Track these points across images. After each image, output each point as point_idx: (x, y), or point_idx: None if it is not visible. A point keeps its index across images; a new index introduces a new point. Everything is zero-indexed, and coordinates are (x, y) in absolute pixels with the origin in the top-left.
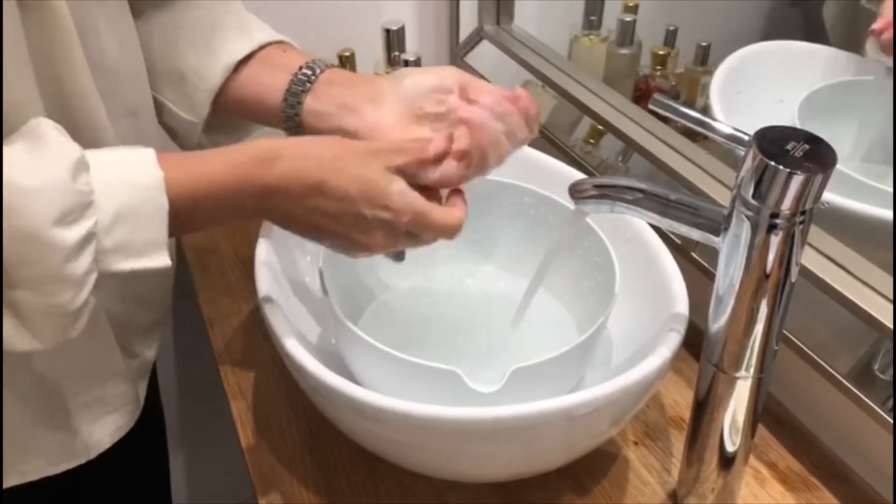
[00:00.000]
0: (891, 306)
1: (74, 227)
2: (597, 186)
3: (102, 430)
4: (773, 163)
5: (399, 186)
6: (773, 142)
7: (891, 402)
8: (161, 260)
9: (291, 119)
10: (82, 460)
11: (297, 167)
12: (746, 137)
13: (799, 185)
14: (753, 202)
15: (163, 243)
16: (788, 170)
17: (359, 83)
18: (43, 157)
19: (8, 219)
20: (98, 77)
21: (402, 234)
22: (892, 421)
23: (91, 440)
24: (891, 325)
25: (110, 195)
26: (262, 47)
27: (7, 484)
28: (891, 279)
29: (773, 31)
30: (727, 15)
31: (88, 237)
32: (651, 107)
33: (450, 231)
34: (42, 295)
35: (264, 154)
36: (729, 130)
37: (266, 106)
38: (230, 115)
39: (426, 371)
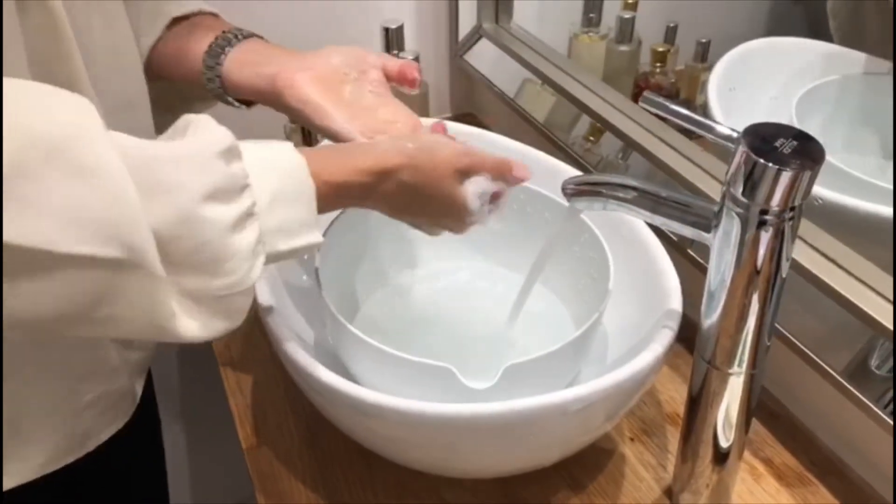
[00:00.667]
0: (886, 304)
1: (231, 205)
2: (589, 184)
3: (100, 424)
4: (761, 160)
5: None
6: (761, 138)
7: (886, 399)
8: (315, 237)
9: (213, 69)
10: (79, 454)
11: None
12: (735, 134)
13: (788, 181)
14: (743, 199)
15: (315, 223)
16: (777, 166)
17: (283, 47)
18: (192, 139)
19: (161, 196)
20: (93, 74)
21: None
22: (889, 420)
23: (89, 434)
24: (886, 323)
25: (264, 179)
26: (195, 14)
27: (7, 485)
28: (887, 277)
29: (776, 27)
30: (728, 12)
31: (247, 215)
32: (641, 104)
33: None
34: (212, 275)
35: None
36: (718, 127)
37: (190, 60)
38: (161, 74)
39: (420, 368)
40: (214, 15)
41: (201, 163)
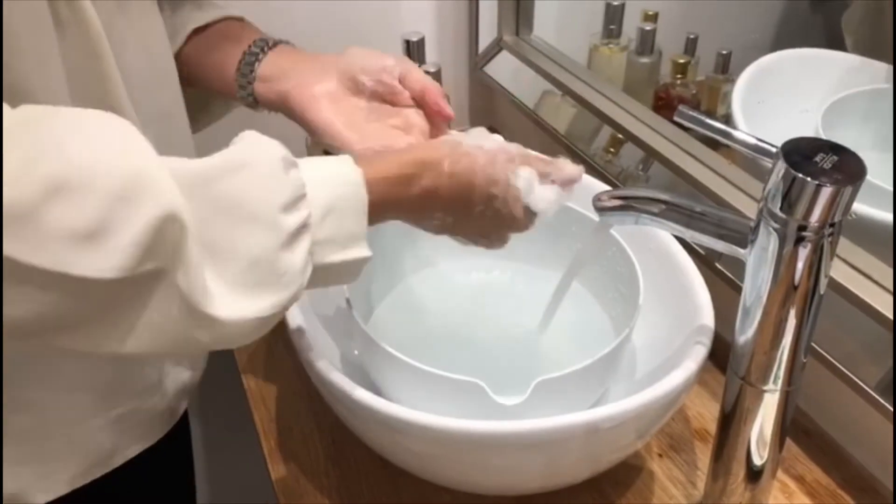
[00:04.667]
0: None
1: (294, 214)
2: (621, 198)
3: (128, 440)
4: (801, 175)
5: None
6: (800, 153)
7: None
8: (362, 251)
9: (244, 88)
10: (106, 469)
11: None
12: (773, 149)
13: (828, 197)
14: (781, 215)
15: (363, 236)
16: (817, 182)
17: (306, 55)
18: (257, 150)
19: (240, 201)
20: (128, 87)
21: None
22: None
23: (116, 450)
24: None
25: (320, 189)
26: (218, 22)
27: (39, 501)
28: None
29: (795, 38)
30: (748, 23)
31: (304, 227)
32: (676, 119)
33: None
34: (264, 287)
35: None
36: (755, 142)
37: (223, 73)
38: (192, 84)
39: (449, 383)
40: (239, 19)
41: (276, 178)
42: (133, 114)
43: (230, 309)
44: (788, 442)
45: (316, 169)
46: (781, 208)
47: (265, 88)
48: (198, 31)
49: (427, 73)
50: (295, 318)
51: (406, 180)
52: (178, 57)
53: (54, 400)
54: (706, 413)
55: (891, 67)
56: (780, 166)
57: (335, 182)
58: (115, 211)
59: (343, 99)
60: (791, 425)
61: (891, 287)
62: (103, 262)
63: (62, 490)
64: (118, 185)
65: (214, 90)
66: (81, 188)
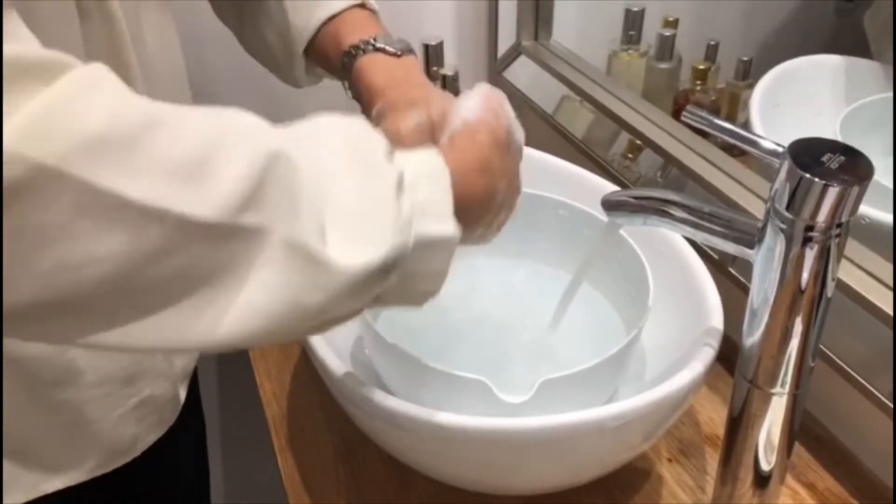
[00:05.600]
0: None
1: (394, 164)
2: (630, 198)
3: (146, 429)
4: (807, 175)
5: None
6: (807, 153)
7: None
8: (454, 227)
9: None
10: (127, 459)
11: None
12: (781, 149)
13: (834, 197)
14: (788, 215)
15: (451, 208)
16: (824, 182)
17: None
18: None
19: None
20: (146, 81)
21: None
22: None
23: (136, 439)
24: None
25: (406, 159)
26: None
27: (54, 488)
28: None
29: (818, 45)
30: (770, 30)
31: (402, 180)
32: (684, 118)
33: None
34: (377, 231)
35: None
36: (762, 142)
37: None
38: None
39: (454, 380)
40: (362, 6)
41: (365, 131)
42: None
43: (349, 255)
44: (800, 449)
45: (402, 154)
46: (788, 208)
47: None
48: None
49: (445, 76)
50: None
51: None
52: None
53: (83, 396)
54: (717, 418)
55: None
56: (787, 166)
57: (420, 158)
58: (217, 146)
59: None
60: (803, 433)
61: None
62: (206, 198)
63: (81, 478)
64: (218, 124)
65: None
66: (181, 125)
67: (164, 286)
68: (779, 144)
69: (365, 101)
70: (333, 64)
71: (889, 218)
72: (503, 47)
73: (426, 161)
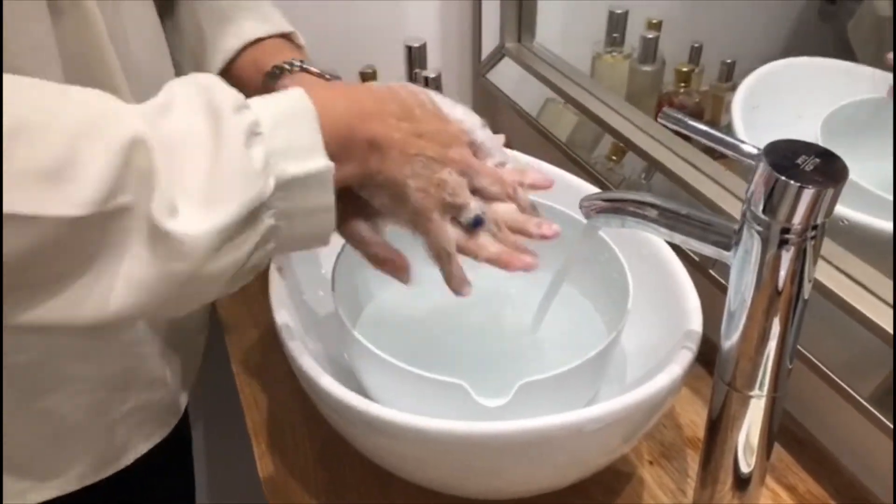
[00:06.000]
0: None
1: (242, 115)
2: (607, 201)
3: (139, 436)
4: (783, 177)
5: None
6: (783, 155)
7: None
8: (324, 161)
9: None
10: (119, 467)
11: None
12: (756, 151)
13: (810, 199)
14: (763, 217)
15: (321, 146)
16: (799, 184)
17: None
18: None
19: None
20: (130, 80)
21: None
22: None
23: (127, 446)
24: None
25: (263, 103)
26: (272, 36)
27: (43, 497)
28: None
29: (802, 47)
30: (754, 32)
31: (255, 131)
32: (660, 120)
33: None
34: (227, 189)
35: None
36: (739, 144)
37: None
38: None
39: (432, 384)
40: (287, 37)
41: (219, 85)
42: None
43: (196, 223)
44: (781, 451)
45: (260, 98)
46: (764, 211)
47: None
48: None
49: (427, 78)
50: (284, 319)
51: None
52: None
53: (71, 404)
54: (699, 421)
55: (888, 76)
56: (762, 168)
57: (277, 98)
58: (77, 146)
59: None
60: (784, 435)
61: (890, 300)
62: (74, 197)
63: (72, 486)
64: (78, 120)
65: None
66: (41, 128)
67: (52, 274)
68: (754, 147)
69: None
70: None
71: (876, 222)
72: (487, 49)
73: (287, 100)
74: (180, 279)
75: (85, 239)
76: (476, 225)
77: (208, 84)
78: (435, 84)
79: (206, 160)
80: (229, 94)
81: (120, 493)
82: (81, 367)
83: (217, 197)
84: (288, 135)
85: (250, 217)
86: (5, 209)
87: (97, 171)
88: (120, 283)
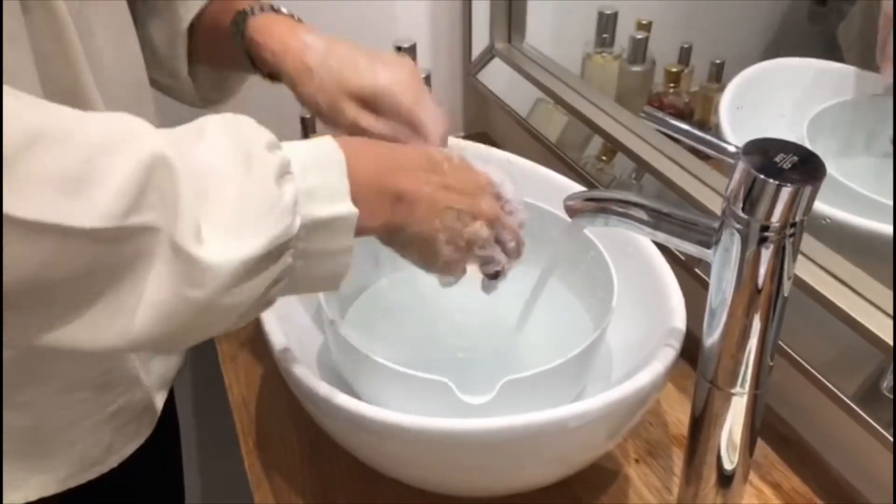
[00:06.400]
0: (893, 323)
1: (276, 154)
2: (591, 200)
3: (122, 438)
4: (761, 175)
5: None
6: (762, 154)
7: None
8: (348, 206)
9: (237, 35)
10: (103, 469)
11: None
12: (734, 149)
13: (788, 197)
14: (743, 215)
15: (347, 192)
16: (777, 182)
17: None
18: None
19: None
20: (96, 73)
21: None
22: (893, 441)
23: (112, 449)
24: (892, 343)
25: (294, 146)
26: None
27: (27, 498)
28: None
29: (792, 48)
30: (744, 33)
31: (287, 170)
32: (640, 117)
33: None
34: (254, 223)
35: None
36: (719, 143)
37: (221, 30)
38: (204, 58)
39: (416, 381)
40: None
41: (249, 127)
42: (100, 100)
43: (222, 252)
44: (766, 449)
45: (291, 143)
46: (743, 209)
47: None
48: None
49: None
50: (270, 317)
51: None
52: (191, 37)
53: (51, 401)
54: (685, 419)
55: (880, 77)
56: (741, 167)
57: (309, 145)
58: (98, 158)
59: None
60: (770, 432)
61: (868, 293)
62: (94, 209)
63: (56, 488)
64: (101, 133)
65: (224, 63)
66: (62, 138)
67: (71, 290)
68: (734, 146)
69: (272, 51)
70: (221, 34)
71: (853, 218)
72: (477, 50)
73: (318, 147)
74: (198, 307)
75: (106, 254)
76: (495, 277)
77: (241, 121)
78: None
79: (236, 191)
80: (262, 132)
81: (108, 495)
82: (63, 365)
83: (245, 229)
84: (316, 178)
85: (275, 253)
86: (25, 216)
87: (117, 183)
88: (142, 307)
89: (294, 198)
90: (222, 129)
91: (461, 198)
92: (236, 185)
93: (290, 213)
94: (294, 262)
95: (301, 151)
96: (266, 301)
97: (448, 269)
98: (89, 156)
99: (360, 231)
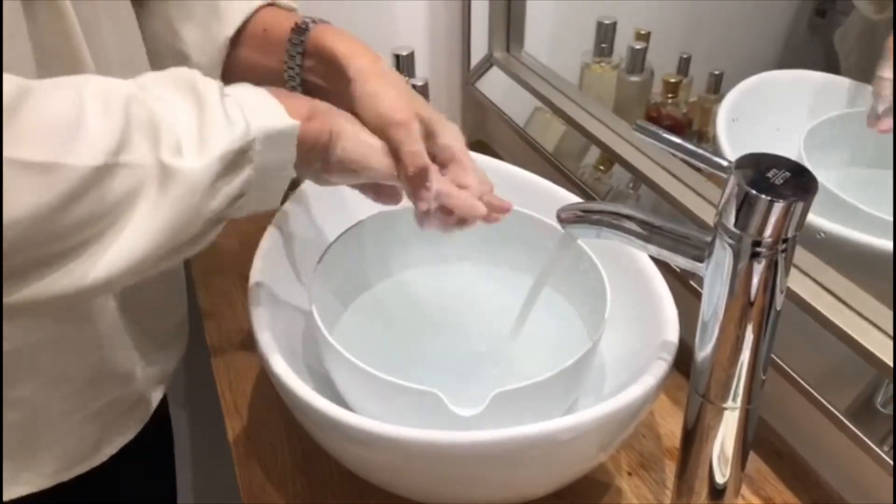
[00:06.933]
0: (887, 340)
1: (209, 82)
2: (583, 211)
3: (112, 432)
4: (753, 190)
5: None
6: (754, 169)
7: (890, 439)
8: (289, 119)
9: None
10: (93, 464)
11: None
12: (727, 163)
13: (780, 212)
14: (735, 230)
15: (284, 112)
16: (769, 197)
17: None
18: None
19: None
20: (100, 71)
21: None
22: (890, 461)
23: (101, 443)
24: (887, 360)
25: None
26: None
27: (16, 494)
28: (889, 312)
29: (791, 60)
30: (744, 44)
31: (223, 91)
32: (634, 131)
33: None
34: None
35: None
36: (711, 157)
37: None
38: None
39: (407, 392)
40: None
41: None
42: None
43: (197, 159)
44: (759, 463)
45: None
46: (735, 223)
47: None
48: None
49: (414, 86)
50: (262, 325)
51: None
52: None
53: (41, 395)
54: (678, 432)
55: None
56: (733, 181)
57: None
58: (84, 103)
59: None
60: (763, 447)
61: (862, 308)
62: (86, 147)
63: (45, 483)
64: (77, 85)
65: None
66: (47, 91)
67: (74, 225)
68: (726, 160)
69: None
70: (273, 45)
71: (848, 232)
72: (476, 58)
73: (248, 89)
74: (187, 214)
75: (105, 189)
76: (426, 216)
77: (182, 69)
78: (422, 92)
79: (195, 111)
80: (194, 71)
81: (98, 493)
82: (55, 357)
83: (208, 140)
84: (256, 100)
85: (237, 158)
86: (25, 157)
87: (104, 124)
88: (138, 230)
89: (239, 110)
90: (160, 75)
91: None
92: (192, 106)
93: (240, 123)
94: (253, 174)
95: (235, 88)
96: (236, 208)
97: (383, 176)
98: (76, 103)
99: (302, 145)
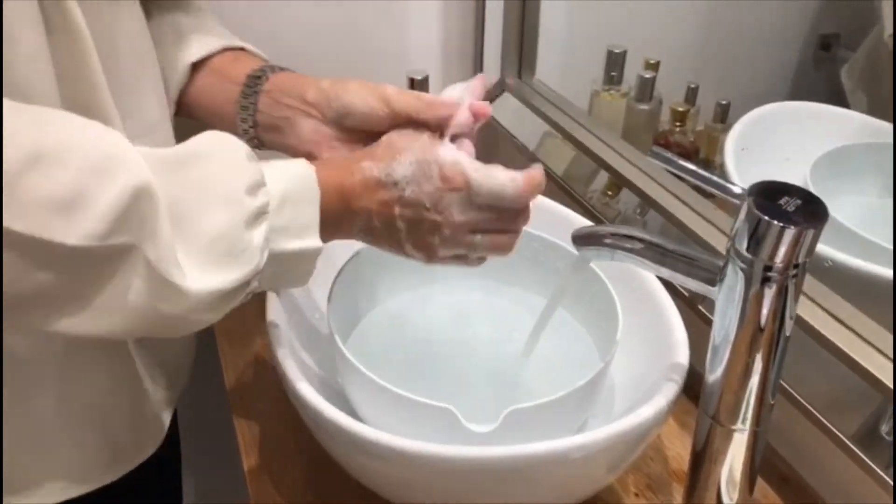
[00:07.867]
0: (888, 363)
1: (255, 198)
2: (598, 234)
3: (126, 449)
4: (766, 217)
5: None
6: (767, 196)
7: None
8: (314, 241)
9: (247, 132)
10: (105, 481)
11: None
12: (740, 190)
13: (791, 239)
14: (747, 255)
15: (316, 227)
16: (781, 224)
17: (293, 93)
18: (222, 141)
19: (207, 181)
20: (117, 95)
21: (467, 206)
22: (893, 484)
23: (114, 460)
24: (892, 386)
25: (277, 181)
26: (215, 53)
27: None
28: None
29: (798, 92)
30: (751, 75)
31: (263, 212)
32: (649, 157)
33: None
34: (227, 261)
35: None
36: (725, 184)
37: (222, 116)
38: (196, 119)
39: (421, 407)
40: (240, 49)
41: (240, 164)
42: (118, 118)
43: (196, 281)
44: (766, 488)
45: (272, 165)
46: (748, 249)
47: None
48: (196, 65)
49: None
50: (278, 338)
51: (351, 166)
52: (186, 91)
53: (58, 410)
54: (685, 454)
55: (883, 124)
56: (746, 208)
57: (290, 175)
58: (90, 182)
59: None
60: (769, 471)
61: (868, 335)
62: (79, 229)
63: (54, 498)
64: (93, 158)
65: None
66: (58, 160)
67: (60, 292)
68: (740, 187)
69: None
70: (221, 98)
71: (855, 261)
72: (487, 84)
73: (296, 179)
74: (169, 319)
75: (85, 267)
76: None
77: (228, 152)
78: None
79: (212, 228)
80: (245, 171)
81: (105, 502)
82: (69, 371)
83: (217, 265)
84: (291, 214)
85: (236, 289)
86: (21, 230)
87: (103, 208)
88: (114, 305)
89: (265, 240)
90: (212, 160)
91: (415, 211)
92: (213, 222)
93: (259, 254)
94: (261, 284)
95: (279, 183)
96: (234, 306)
97: (422, 259)
98: (80, 180)
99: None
